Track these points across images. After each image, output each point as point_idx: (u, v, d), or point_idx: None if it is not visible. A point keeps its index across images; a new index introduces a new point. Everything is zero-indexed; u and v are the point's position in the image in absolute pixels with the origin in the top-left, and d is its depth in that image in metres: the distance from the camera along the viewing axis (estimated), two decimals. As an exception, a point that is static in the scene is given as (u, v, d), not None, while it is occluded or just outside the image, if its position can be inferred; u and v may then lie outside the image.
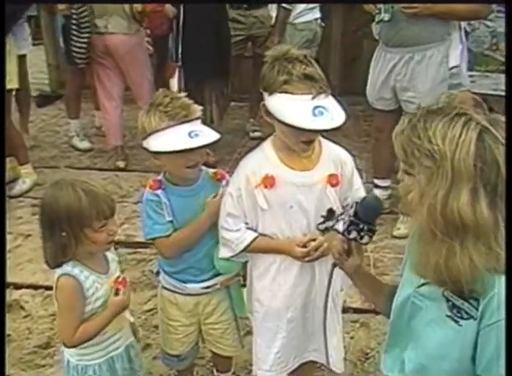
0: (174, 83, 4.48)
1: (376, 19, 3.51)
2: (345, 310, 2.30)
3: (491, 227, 1.27)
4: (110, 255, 2.04)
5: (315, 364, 2.33)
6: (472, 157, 1.25)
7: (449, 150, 1.26)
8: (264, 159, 1.98)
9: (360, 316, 2.99)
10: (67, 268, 1.89)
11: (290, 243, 2.01)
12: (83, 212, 1.82)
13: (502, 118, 1.32)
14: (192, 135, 1.95)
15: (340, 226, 1.66)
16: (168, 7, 4.52)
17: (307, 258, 1.99)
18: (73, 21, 4.49)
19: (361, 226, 1.63)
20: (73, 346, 1.97)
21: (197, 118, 2.03)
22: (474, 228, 1.26)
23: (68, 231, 1.84)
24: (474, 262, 1.28)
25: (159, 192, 2.10)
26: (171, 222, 2.11)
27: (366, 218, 1.64)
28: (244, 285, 2.31)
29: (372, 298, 1.76)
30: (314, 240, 1.97)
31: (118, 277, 1.99)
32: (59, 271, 1.91)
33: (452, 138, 1.26)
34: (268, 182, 1.94)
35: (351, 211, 1.64)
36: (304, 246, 1.98)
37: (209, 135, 2.00)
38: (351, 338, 2.89)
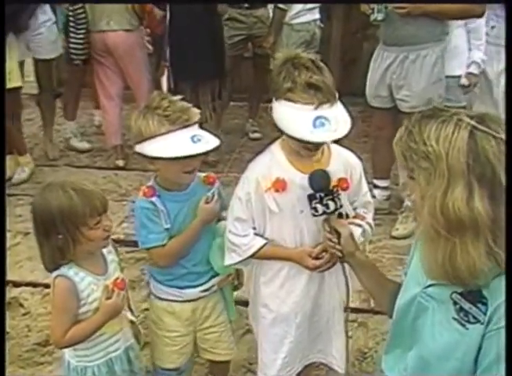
0: (163, 83, 4.51)
1: (371, 19, 3.54)
2: (343, 310, 2.30)
3: (489, 224, 1.28)
4: (110, 256, 2.02)
5: (313, 364, 2.33)
6: (464, 154, 1.28)
7: (443, 149, 1.29)
8: (273, 162, 1.96)
9: (358, 316, 3.00)
10: (63, 269, 1.89)
11: (300, 252, 1.98)
12: (76, 211, 1.82)
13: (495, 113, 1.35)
14: (195, 139, 1.92)
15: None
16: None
17: (318, 270, 1.99)
18: (71, 18, 4.56)
19: (317, 196, 1.81)
20: (63, 347, 1.98)
21: (196, 122, 1.99)
22: (471, 225, 1.29)
23: (64, 232, 1.83)
24: (474, 259, 1.30)
25: (154, 199, 2.06)
26: (167, 229, 2.07)
27: (318, 187, 1.81)
28: (235, 287, 2.31)
29: (375, 292, 1.77)
30: (326, 250, 1.94)
31: (117, 279, 1.97)
32: (55, 272, 1.91)
33: (445, 137, 1.30)
34: (280, 185, 1.92)
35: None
36: (316, 257, 1.96)
37: (210, 140, 1.97)
38: (349, 337, 2.90)
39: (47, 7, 4.57)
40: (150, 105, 1.98)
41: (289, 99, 1.80)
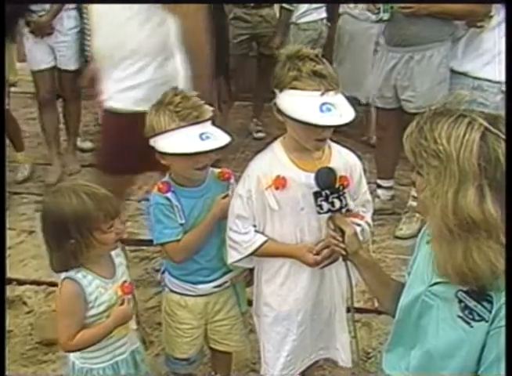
0: None
1: (376, 19, 3.54)
2: (347, 310, 2.29)
3: (500, 224, 1.28)
4: (118, 259, 2.01)
5: (316, 364, 2.33)
6: (475, 156, 1.28)
7: (454, 149, 1.29)
8: (274, 160, 1.97)
9: (362, 316, 2.99)
10: (71, 272, 1.88)
11: (301, 248, 1.99)
12: (90, 216, 1.80)
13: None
14: (204, 137, 1.93)
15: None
16: None
17: (319, 266, 1.99)
18: (85, 21, 4.43)
19: (323, 193, 1.81)
20: (71, 351, 1.96)
21: (208, 119, 2.00)
22: (483, 225, 1.29)
23: (77, 237, 1.81)
24: (491, 259, 1.30)
25: (169, 195, 2.07)
26: (181, 225, 2.08)
27: (325, 184, 1.82)
28: (248, 283, 2.31)
29: (378, 292, 1.77)
30: (327, 247, 1.94)
31: (124, 282, 1.96)
32: (63, 274, 1.89)
33: (457, 138, 1.30)
34: (280, 183, 1.93)
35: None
36: (317, 253, 1.96)
37: (220, 138, 1.98)
38: (353, 337, 2.89)
39: (74, 12, 4.40)
40: (163, 100, 2.00)
41: (295, 88, 1.82)
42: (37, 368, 2.79)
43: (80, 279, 1.87)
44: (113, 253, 1.99)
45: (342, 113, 1.81)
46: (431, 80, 3.51)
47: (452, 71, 3.55)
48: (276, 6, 4.87)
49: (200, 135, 1.93)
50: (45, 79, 4.53)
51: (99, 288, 1.90)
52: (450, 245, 1.36)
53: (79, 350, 1.94)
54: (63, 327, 1.91)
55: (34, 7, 4.22)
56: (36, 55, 4.42)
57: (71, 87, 4.59)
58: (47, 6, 4.25)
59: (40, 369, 2.79)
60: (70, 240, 1.81)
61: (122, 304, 1.92)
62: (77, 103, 4.79)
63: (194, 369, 2.42)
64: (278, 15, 4.82)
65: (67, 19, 4.39)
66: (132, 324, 2.00)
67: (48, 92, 4.57)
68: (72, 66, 4.51)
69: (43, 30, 4.31)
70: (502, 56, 3.41)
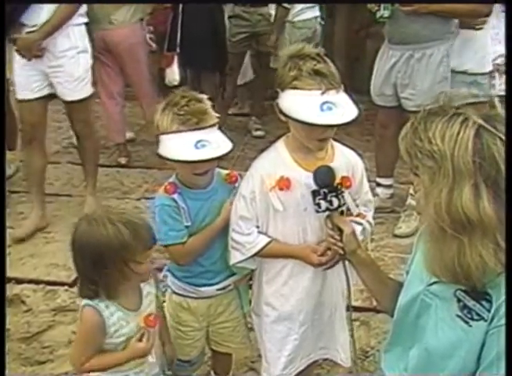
0: (171, 72, 4.51)
1: (377, 16, 3.53)
2: (346, 308, 2.29)
3: (496, 223, 1.28)
4: (146, 289, 1.93)
5: (314, 363, 2.31)
6: (470, 153, 1.27)
7: (448, 148, 1.29)
8: (278, 160, 1.96)
9: (360, 315, 2.99)
10: (95, 300, 1.80)
11: (305, 249, 1.98)
12: (126, 247, 1.72)
13: (502, 113, 1.34)
14: (199, 145, 1.90)
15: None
16: None
17: (324, 267, 1.98)
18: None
19: (322, 192, 1.81)
20: (81, 373, 1.89)
21: (211, 126, 1.97)
22: (479, 224, 1.28)
23: (111, 269, 1.73)
24: (484, 258, 1.29)
25: (175, 196, 2.05)
26: (187, 227, 2.06)
27: (323, 183, 1.81)
28: (251, 285, 2.29)
29: (376, 291, 1.77)
30: (330, 248, 1.92)
31: (149, 315, 1.87)
32: (85, 300, 1.82)
33: (451, 137, 1.29)
34: (284, 184, 1.92)
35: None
36: (321, 254, 1.95)
37: (219, 147, 1.95)
38: (352, 336, 2.89)
39: (72, 30, 3.61)
40: (171, 101, 1.99)
41: (295, 87, 1.82)
42: (36, 368, 2.78)
43: (102, 309, 1.79)
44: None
45: (344, 111, 1.80)
46: (431, 78, 3.51)
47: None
48: (272, 4, 4.87)
49: (196, 144, 1.90)
50: (32, 111, 3.73)
51: (121, 321, 1.82)
52: (442, 244, 1.36)
53: (90, 372, 1.87)
54: (77, 352, 1.87)
55: (25, 20, 3.48)
56: (21, 80, 3.65)
57: (82, 120, 3.91)
58: (40, 22, 3.47)
59: (38, 369, 2.77)
60: (104, 271, 1.73)
61: (142, 335, 1.85)
62: (92, 138, 4.07)
63: (195, 370, 2.41)
64: (274, 13, 4.82)
65: (61, 38, 3.57)
66: (150, 358, 1.92)
67: (32, 127, 3.79)
68: (75, 95, 3.73)
69: (30, 52, 3.50)
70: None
